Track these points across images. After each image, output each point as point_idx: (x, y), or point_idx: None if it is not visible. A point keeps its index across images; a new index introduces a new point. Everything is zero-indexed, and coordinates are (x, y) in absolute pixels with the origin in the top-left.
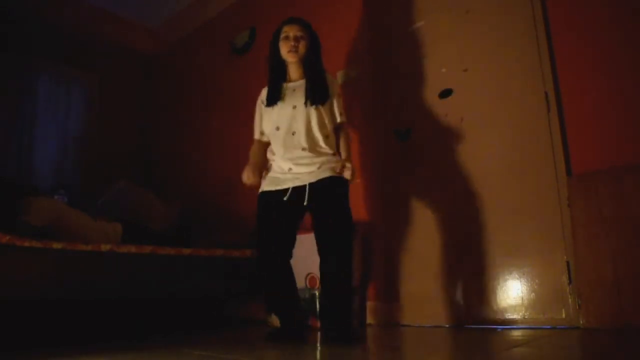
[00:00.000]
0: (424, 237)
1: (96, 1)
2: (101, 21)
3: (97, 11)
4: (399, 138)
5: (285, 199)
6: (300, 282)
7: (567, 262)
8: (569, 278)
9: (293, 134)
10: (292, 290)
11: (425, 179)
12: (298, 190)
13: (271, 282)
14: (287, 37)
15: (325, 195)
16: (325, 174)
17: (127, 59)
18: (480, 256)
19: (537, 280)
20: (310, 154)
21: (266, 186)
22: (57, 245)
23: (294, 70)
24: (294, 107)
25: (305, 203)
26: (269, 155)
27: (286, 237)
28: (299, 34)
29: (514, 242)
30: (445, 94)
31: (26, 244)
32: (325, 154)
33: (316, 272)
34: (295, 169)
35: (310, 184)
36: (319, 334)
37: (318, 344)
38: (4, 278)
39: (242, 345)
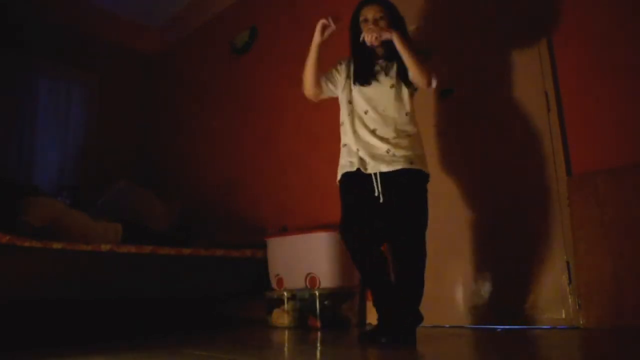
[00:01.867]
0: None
1: (96, 1)
2: (101, 21)
3: (97, 11)
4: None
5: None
6: (300, 282)
7: (567, 262)
8: (569, 278)
9: (365, 113)
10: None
11: None
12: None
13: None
14: (365, 20)
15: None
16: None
17: (127, 59)
18: (480, 256)
19: (537, 280)
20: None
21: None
22: (57, 245)
23: (379, 50)
24: (392, 86)
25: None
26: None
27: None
28: (377, 15)
29: (514, 242)
30: (445, 94)
31: (26, 244)
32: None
33: (316, 272)
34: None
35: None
36: (318, 334)
37: (319, 344)
38: (4, 278)
39: (242, 345)
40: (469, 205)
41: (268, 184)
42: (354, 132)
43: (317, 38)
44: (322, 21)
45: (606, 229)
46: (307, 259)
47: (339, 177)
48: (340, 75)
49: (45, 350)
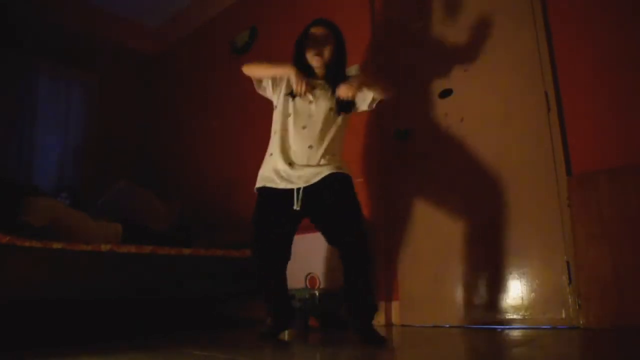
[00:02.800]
0: (423, 237)
1: (96, 1)
2: (101, 21)
3: (97, 11)
4: (399, 138)
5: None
6: (300, 282)
7: (567, 262)
8: (569, 278)
9: (303, 128)
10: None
11: (425, 178)
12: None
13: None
14: (314, 41)
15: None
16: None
17: (127, 59)
18: (480, 256)
19: (537, 280)
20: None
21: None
22: (57, 245)
23: (318, 72)
24: (330, 109)
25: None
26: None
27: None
28: (325, 38)
29: (514, 242)
30: (445, 94)
31: (26, 244)
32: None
33: (316, 272)
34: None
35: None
36: (318, 334)
37: (319, 344)
38: (4, 278)
39: (242, 345)
40: (469, 205)
41: None
42: (285, 145)
43: (292, 78)
44: (301, 81)
45: (606, 229)
46: (307, 259)
47: (258, 186)
48: (281, 84)
49: (45, 350)
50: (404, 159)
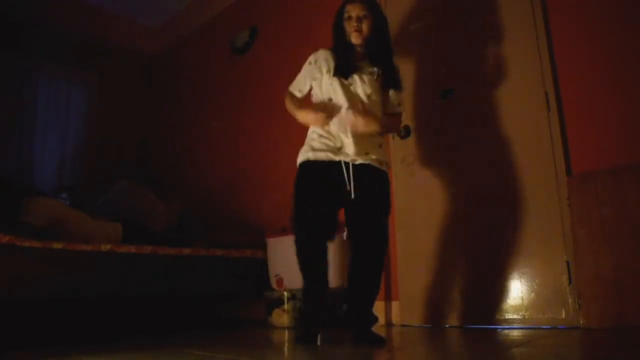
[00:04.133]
0: (424, 237)
1: (96, 1)
2: (101, 21)
3: (97, 11)
4: (399, 137)
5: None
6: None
7: (567, 262)
8: (569, 278)
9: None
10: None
11: (425, 178)
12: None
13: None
14: (349, 18)
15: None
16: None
17: (127, 59)
18: (480, 256)
19: (537, 280)
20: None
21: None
22: (57, 245)
23: (359, 51)
24: (350, 84)
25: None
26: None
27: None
28: (362, 13)
29: (513, 242)
30: (445, 94)
31: (26, 244)
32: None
33: None
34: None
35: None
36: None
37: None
38: (4, 278)
39: (242, 345)
40: (469, 205)
41: (268, 184)
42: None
43: (319, 120)
44: (324, 116)
45: (606, 229)
46: None
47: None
48: (320, 72)
49: (45, 350)
50: (403, 159)
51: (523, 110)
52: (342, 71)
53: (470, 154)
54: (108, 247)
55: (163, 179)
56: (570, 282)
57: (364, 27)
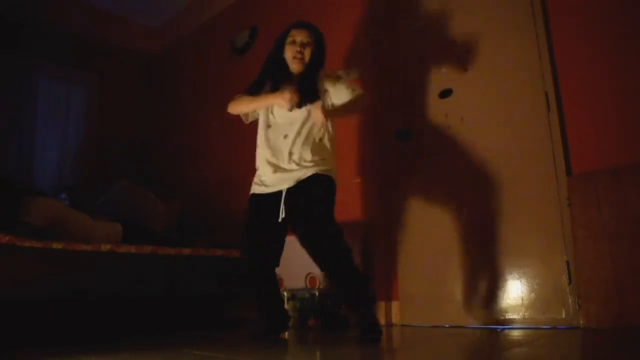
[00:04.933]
0: (423, 237)
1: (96, 1)
2: (101, 21)
3: (97, 11)
4: (399, 138)
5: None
6: (300, 282)
7: (567, 262)
8: (569, 278)
9: (285, 137)
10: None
11: (425, 179)
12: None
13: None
14: (293, 42)
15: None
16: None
17: (127, 59)
18: (480, 256)
19: (537, 280)
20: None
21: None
22: (57, 245)
23: (295, 73)
24: (290, 110)
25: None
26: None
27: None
28: (306, 40)
29: (514, 242)
30: (445, 94)
31: (26, 244)
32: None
33: (316, 272)
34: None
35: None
36: (310, 334)
37: (319, 344)
38: (4, 278)
39: (242, 345)
40: (469, 205)
41: None
42: (267, 156)
43: (277, 100)
44: (288, 95)
45: (606, 229)
46: (307, 259)
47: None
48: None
49: (45, 350)
50: (404, 159)
51: (523, 110)
52: (272, 87)
53: (470, 154)
54: (108, 247)
55: (163, 179)
56: (570, 282)
57: (306, 53)
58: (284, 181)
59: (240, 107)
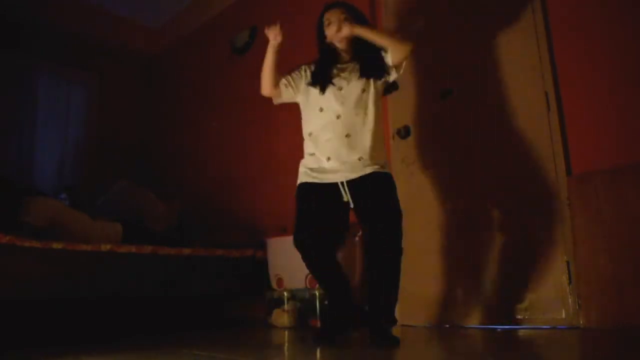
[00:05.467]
0: (423, 237)
1: (96, 1)
2: (101, 21)
3: (97, 11)
4: (398, 137)
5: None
6: (300, 282)
7: (567, 262)
8: (569, 278)
9: (338, 118)
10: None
11: (425, 178)
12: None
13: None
14: (329, 24)
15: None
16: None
17: (127, 59)
18: (480, 256)
19: (537, 280)
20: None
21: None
22: (57, 245)
23: (344, 53)
24: (363, 90)
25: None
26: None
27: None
28: (342, 16)
29: (514, 242)
30: (445, 94)
31: (26, 244)
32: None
33: None
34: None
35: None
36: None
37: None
38: (4, 278)
39: (242, 345)
40: (469, 205)
41: (268, 184)
42: (326, 140)
43: (271, 41)
44: (273, 29)
45: (606, 229)
46: None
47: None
48: (302, 80)
49: (45, 350)
50: (403, 159)
51: (523, 110)
52: (317, 81)
53: (470, 154)
54: (108, 247)
55: (163, 179)
56: (570, 282)
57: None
58: (340, 172)
59: (263, 72)
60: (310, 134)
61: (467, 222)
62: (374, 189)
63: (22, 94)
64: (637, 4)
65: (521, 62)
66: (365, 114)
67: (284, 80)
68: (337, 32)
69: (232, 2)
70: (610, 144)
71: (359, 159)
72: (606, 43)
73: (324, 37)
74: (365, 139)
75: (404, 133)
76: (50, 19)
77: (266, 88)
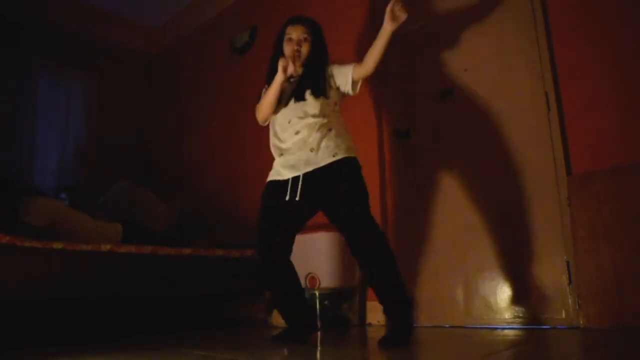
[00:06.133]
0: (423, 237)
1: (96, 1)
2: (101, 21)
3: (97, 11)
4: (399, 138)
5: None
6: (301, 282)
7: (567, 262)
8: (569, 278)
9: (296, 134)
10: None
11: (425, 179)
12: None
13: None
14: (290, 40)
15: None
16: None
17: (127, 59)
18: (480, 256)
19: (537, 280)
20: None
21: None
22: (57, 245)
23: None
24: (286, 104)
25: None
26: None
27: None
28: (302, 36)
29: (514, 242)
30: (445, 94)
31: (26, 244)
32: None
33: (316, 272)
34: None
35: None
36: (318, 334)
37: (319, 344)
38: (4, 278)
39: (242, 345)
40: (469, 206)
41: None
42: (279, 141)
43: (280, 77)
44: (283, 62)
45: (606, 229)
46: (307, 259)
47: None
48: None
49: (45, 350)
50: (404, 159)
51: (523, 110)
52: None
53: (470, 155)
54: (108, 247)
55: (163, 179)
56: (570, 282)
57: (304, 49)
58: (294, 168)
59: (263, 107)
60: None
61: (467, 221)
62: (332, 185)
63: (22, 94)
64: (637, 3)
65: (521, 62)
66: (317, 115)
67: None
68: (293, 63)
69: (232, 2)
70: (610, 143)
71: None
72: (606, 43)
73: (280, 49)
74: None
75: (404, 133)
76: (50, 19)
77: (266, 119)
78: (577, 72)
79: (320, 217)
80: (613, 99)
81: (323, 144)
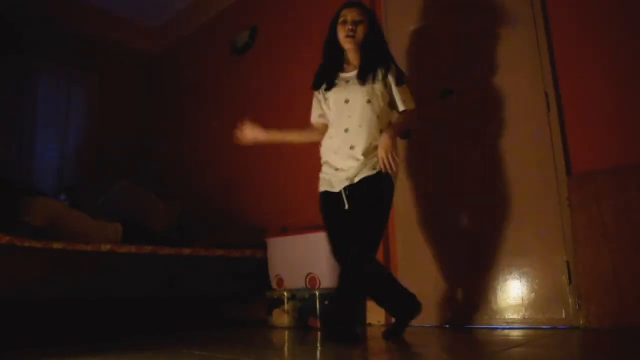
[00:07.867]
0: (423, 237)
1: (96, 1)
2: (101, 21)
3: (97, 11)
4: (399, 137)
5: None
6: (300, 282)
7: (567, 262)
8: (569, 278)
9: (346, 132)
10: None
11: (425, 179)
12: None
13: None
14: (344, 22)
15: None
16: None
17: (127, 59)
18: (480, 256)
19: (537, 280)
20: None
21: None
22: (57, 245)
23: (352, 58)
24: (346, 101)
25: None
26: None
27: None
28: (357, 18)
29: (514, 242)
30: (445, 94)
31: (26, 244)
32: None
33: (316, 272)
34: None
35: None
36: (318, 334)
37: (319, 344)
38: (4, 278)
39: (242, 345)
40: (469, 205)
41: (268, 184)
42: (331, 152)
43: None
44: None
45: (606, 229)
46: (307, 259)
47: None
48: (323, 102)
49: (45, 350)
50: (404, 159)
51: (523, 110)
52: (325, 78)
53: (470, 154)
54: (108, 247)
55: (163, 179)
56: (570, 282)
57: (359, 31)
58: (343, 180)
59: (304, 141)
60: (324, 143)
61: (467, 221)
62: (363, 194)
63: (22, 94)
64: (637, 3)
65: (521, 62)
66: (368, 125)
67: (318, 117)
68: (347, 37)
69: (232, 2)
70: (610, 143)
71: (359, 165)
72: (606, 43)
73: (335, 35)
74: (366, 148)
75: (404, 133)
76: (50, 19)
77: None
78: (577, 72)
79: (320, 218)
80: (613, 99)
81: None
